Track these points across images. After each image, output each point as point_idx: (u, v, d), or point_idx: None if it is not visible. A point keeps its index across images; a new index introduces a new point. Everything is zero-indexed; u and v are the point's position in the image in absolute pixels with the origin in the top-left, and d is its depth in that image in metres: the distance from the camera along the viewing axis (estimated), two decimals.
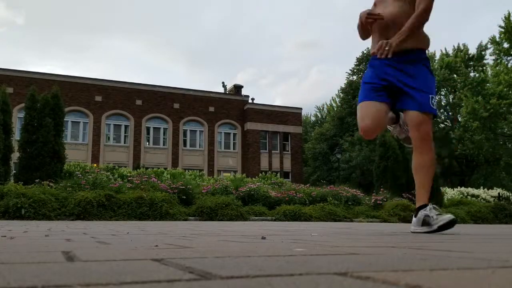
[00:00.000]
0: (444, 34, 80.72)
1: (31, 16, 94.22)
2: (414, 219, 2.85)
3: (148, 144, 30.99)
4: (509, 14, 27.58)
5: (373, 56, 3.03)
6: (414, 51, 2.92)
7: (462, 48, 36.04)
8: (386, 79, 2.93)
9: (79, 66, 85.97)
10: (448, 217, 2.66)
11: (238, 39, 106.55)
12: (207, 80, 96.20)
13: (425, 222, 2.73)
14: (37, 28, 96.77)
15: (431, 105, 2.82)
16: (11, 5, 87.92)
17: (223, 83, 38.77)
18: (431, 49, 38.33)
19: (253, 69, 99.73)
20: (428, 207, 2.75)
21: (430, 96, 2.84)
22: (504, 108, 26.96)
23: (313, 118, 55.97)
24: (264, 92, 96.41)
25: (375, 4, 3.12)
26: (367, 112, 2.92)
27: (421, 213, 2.77)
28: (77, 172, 11.46)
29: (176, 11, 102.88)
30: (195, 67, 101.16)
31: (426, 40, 3.00)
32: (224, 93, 35.30)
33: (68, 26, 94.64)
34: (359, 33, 3.14)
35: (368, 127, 2.92)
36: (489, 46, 32.26)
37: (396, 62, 2.90)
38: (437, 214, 2.70)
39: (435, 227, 2.67)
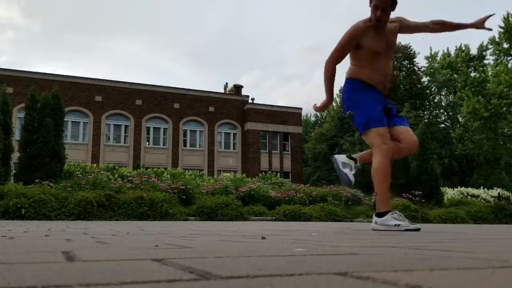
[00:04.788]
0: (444, 34, 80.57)
1: (43, 22, 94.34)
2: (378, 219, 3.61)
3: (148, 144, 30.98)
4: (508, 14, 27.61)
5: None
6: None
7: (463, 48, 36.08)
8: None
9: (81, 66, 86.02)
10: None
11: (242, 42, 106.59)
12: (211, 82, 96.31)
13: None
14: (41, 30, 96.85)
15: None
16: (28, 13, 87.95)
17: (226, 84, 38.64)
18: (431, 49, 38.34)
19: (257, 71, 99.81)
20: (395, 212, 3.51)
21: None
22: (504, 108, 26.98)
23: (313, 118, 55.93)
24: (267, 94, 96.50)
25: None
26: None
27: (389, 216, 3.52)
28: (77, 172, 11.46)
29: (178, 12, 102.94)
30: (199, 68, 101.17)
31: None
32: (224, 93, 35.26)
33: (71, 27, 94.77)
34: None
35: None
36: (489, 46, 32.29)
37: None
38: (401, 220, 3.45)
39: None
